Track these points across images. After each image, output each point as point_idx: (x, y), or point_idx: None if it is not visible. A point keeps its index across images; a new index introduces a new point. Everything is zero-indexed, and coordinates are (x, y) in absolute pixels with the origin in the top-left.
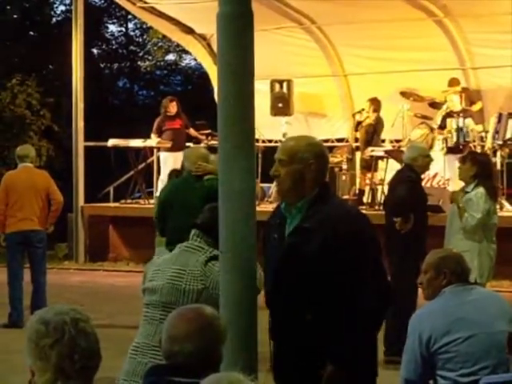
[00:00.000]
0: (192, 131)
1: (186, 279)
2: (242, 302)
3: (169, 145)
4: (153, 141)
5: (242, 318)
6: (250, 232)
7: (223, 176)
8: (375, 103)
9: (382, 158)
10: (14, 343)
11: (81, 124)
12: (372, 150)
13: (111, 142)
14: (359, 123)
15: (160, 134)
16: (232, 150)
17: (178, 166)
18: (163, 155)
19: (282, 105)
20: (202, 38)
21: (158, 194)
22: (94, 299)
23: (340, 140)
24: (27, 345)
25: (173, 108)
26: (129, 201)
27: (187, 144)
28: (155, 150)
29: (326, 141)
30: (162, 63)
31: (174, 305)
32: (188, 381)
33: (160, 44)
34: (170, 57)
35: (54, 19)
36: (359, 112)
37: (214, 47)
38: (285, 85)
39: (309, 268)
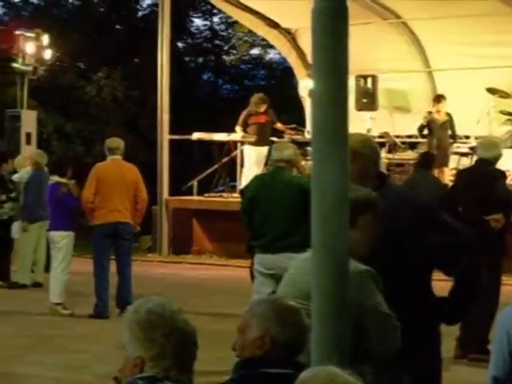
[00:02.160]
0: (279, 125)
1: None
2: (334, 296)
3: (253, 139)
4: (237, 135)
5: (333, 312)
6: (343, 225)
7: (317, 170)
8: (441, 100)
9: (466, 154)
10: (99, 334)
11: (166, 117)
12: (457, 147)
13: (196, 136)
14: (430, 124)
15: (245, 127)
16: (325, 144)
17: (262, 160)
18: (247, 149)
19: (366, 100)
20: (287, 32)
21: (241, 187)
22: (177, 292)
23: (424, 136)
24: (136, 336)
25: (261, 109)
26: (212, 194)
27: (271, 138)
28: (239, 144)
29: (410, 136)
30: (246, 57)
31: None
32: (283, 372)
33: (245, 38)
34: (255, 51)
35: (140, 13)
36: (428, 113)
37: (299, 42)
38: (369, 80)
39: (384, 253)
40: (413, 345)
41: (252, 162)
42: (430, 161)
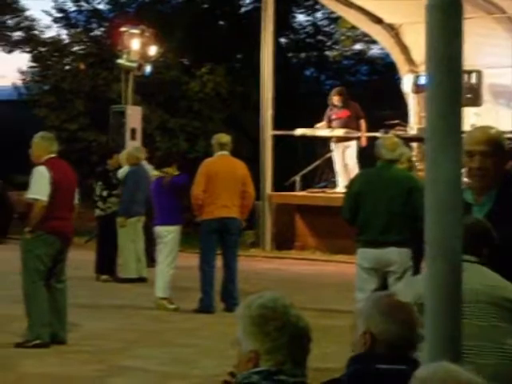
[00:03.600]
0: (362, 122)
1: None
2: (447, 292)
3: (357, 135)
4: (340, 130)
5: (446, 310)
6: (456, 222)
7: (431, 166)
8: None
9: None
10: (205, 328)
11: (269, 113)
12: None
13: (299, 131)
14: None
15: (329, 123)
16: (441, 140)
17: (347, 157)
18: (332, 145)
19: (471, 95)
20: (391, 27)
21: (338, 181)
22: (282, 287)
23: None
24: (249, 330)
25: (336, 101)
26: (315, 190)
27: (376, 134)
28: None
29: None
30: (348, 53)
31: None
32: (396, 368)
33: (348, 33)
34: (358, 46)
35: (243, 9)
36: None
37: (403, 37)
38: (474, 75)
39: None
40: None
41: (337, 158)
42: None
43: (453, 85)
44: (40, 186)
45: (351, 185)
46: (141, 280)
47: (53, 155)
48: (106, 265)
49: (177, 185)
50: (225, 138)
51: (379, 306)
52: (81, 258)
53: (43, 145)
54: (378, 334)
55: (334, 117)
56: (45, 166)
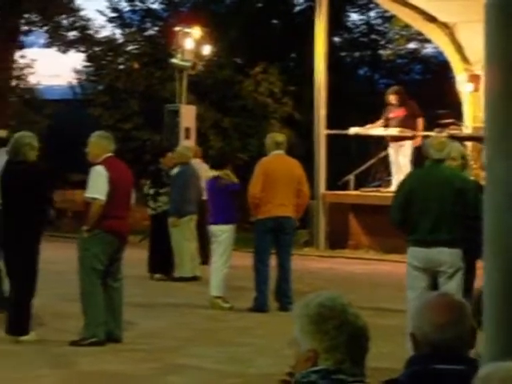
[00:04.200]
0: (420, 121)
1: None
2: (504, 292)
3: (410, 134)
4: (394, 129)
5: (505, 311)
6: None
7: (489, 164)
8: None
9: None
10: (259, 327)
11: (323, 112)
12: None
13: (352, 131)
14: None
15: (386, 121)
16: (499, 139)
17: (401, 155)
18: (389, 144)
19: None
20: (445, 26)
21: (393, 181)
22: (335, 286)
23: None
24: (306, 329)
25: (393, 100)
26: (369, 189)
27: (430, 133)
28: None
29: None
30: (402, 52)
31: None
32: (452, 368)
33: (402, 32)
34: (411, 45)
35: (297, 8)
36: None
37: (457, 36)
38: None
39: None
40: None
41: (393, 157)
42: None
43: (510, 83)
44: (98, 185)
45: (402, 184)
46: (195, 279)
47: (110, 154)
48: (159, 264)
49: (231, 190)
50: (280, 137)
51: (423, 307)
52: (135, 257)
53: (101, 144)
54: (418, 336)
55: (390, 115)
56: (102, 165)
